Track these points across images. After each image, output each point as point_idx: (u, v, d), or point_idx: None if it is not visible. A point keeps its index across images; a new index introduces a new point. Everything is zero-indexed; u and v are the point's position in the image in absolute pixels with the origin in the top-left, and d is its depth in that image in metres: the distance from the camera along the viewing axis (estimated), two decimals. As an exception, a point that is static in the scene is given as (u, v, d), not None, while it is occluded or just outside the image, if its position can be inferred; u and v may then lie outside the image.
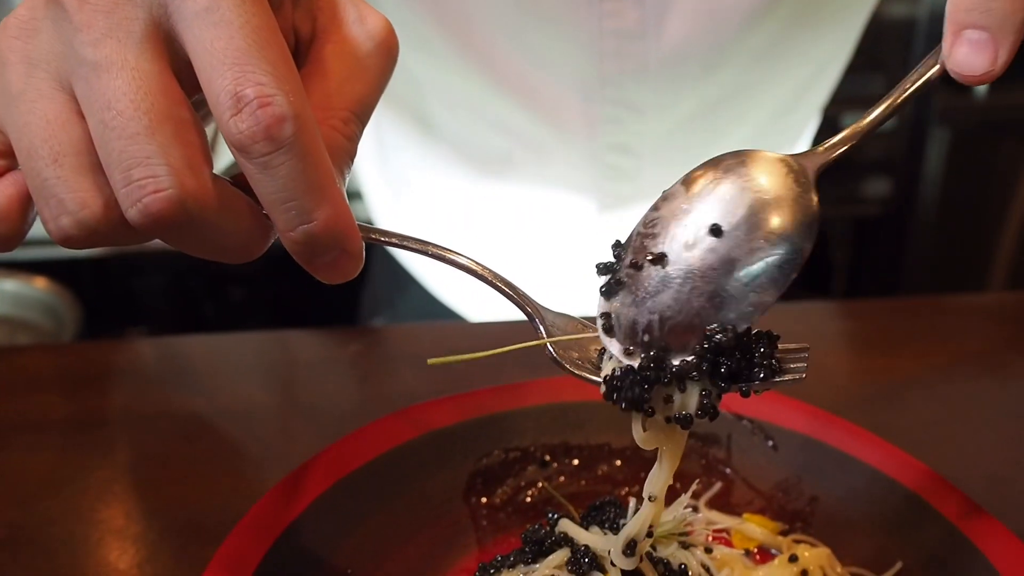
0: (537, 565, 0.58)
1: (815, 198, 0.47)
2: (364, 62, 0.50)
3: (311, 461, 0.65)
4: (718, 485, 0.71)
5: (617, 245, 0.51)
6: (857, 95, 2.10)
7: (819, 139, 1.17)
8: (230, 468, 0.79)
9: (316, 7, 0.51)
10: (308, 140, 0.43)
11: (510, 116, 1.07)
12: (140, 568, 0.67)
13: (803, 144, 1.23)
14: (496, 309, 1.16)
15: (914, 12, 2.07)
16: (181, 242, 0.45)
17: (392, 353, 0.97)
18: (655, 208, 0.50)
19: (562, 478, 0.71)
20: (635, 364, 0.48)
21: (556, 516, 0.61)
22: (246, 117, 0.42)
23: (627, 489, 0.71)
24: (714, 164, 0.49)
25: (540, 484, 0.71)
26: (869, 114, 0.49)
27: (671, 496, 0.67)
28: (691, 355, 0.47)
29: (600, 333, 0.50)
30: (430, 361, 0.54)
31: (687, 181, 0.49)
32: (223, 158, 0.51)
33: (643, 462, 0.72)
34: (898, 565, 0.63)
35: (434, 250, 0.51)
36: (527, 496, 0.70)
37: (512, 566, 0.59)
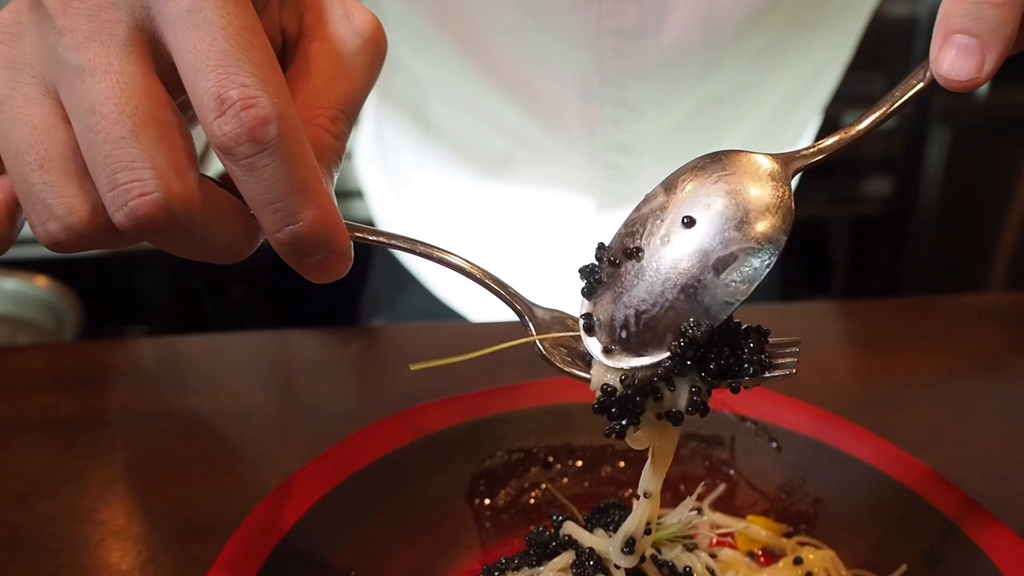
0: (541, 568, 0.58)
1: (788, 192, 0.48)
2: (351, 59, 0.50)
3: (314, 462, 0.65)
4: (722, 487, 0.70)
5: (601, 248, 0.51)
6: (858, 94, 2.10)
7: (820, 139, 1.17)
8: (231, 468, 0.79)
9: (302, 5, 0.51)
10: (293, 141, 0.43)
11: (509, 115, 1.06)
12: (142, 569, 0.67)
13: (804, 143, 1.22)
14: (497, 309, 1.16)
15: (915, 11, 2.07)
16: (169, 244, 0.45)
17: (392, 353, 0.97)
18: (636, 210, 0.51)
19: (565, 480, 0.71)
20: (614, 363, 0.49)
21: (560, 518, 0.61)
22: (230, 119, 0.42)
23: (631, 491, 0.70)
24: (693, 165, 0.50)
25: (543, 486, 0.71)
26: (858, 123, 0.49)
27: (675, 499, 0.67)
28: (667, 351, 0.47)
29: (581, 333, 0.50)
30: (413, 367, 0.54)
31: (666, 182, 0.50)
32: (217, 164, 0.51)
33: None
34: (903, 567, 0.63)
35: (423, 248, 0.51)
36: (530, 498, 0.70)
37: (517, 568, 0.59)
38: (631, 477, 0.71)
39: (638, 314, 0.48)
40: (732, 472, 0.71)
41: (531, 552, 0.59)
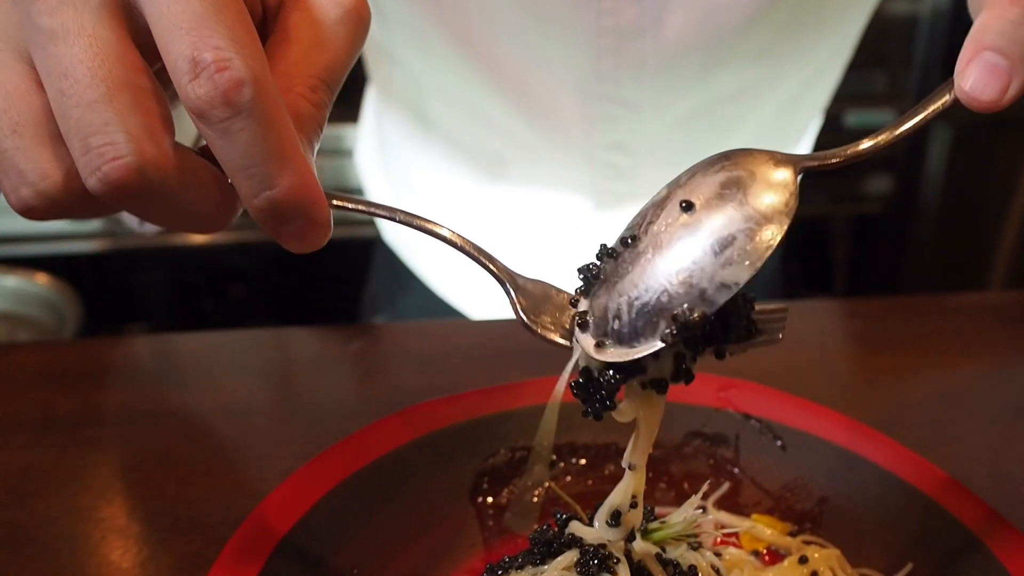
0: (545, 566, 0.58)
1: (793, 177, 0.46)
2: (332, 29, 0.49)
3: (315, 460, 0.64)
4: (726, 485, 0.70)
5: (603, 248, 0.50)
6: (859, 93, 2.10)
7: (821, 138, 1.17)
8: (232, 466, 0.78)
9: None
10: (268, 104, 0.42)
11: (506, 113, 1.06)
12: (143, 567, 0.67)
13: (805, 144, 1.22)
14: (497, 307, 1.16)
15: (916, 9, 2.07)
16: (145, 212, 0.45)
17: (393, 350, 0.97)
18: (640, 209, 0.50)
19: (568, 478, 0.71)
20: (605, 358, 0.47)
21: (564, 517, 0.60)
22: (204, 82, 0.41)
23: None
24: (699, 163, 0.49)
25: (547, 484, 0.70)
26: (873, 139, 0.47)
27: (680, 498, 0.67)
28: (659, 340, 0.46)
29: (575, 329, 0.49)
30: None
31: (671, 181, 0.49)
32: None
33: (650, 462, 0.71)
34: (908, 566, 0.63)
35: (403, 216, 0.50)
36: (534, 497, 0.70)
37: (520, 567, 0.58)
38: (635, 475, 0.71)
39: (631, 301, 0.47)
40: (736, 471, 0.71)
41: (535, 550, 0.59)
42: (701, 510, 0.65)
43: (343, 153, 1.90)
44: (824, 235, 2.34)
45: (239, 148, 0.42)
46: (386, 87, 1.19)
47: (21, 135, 0.43)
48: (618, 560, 0.56)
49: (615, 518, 0.56)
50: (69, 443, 0.79)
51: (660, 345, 0.46)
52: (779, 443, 0.70)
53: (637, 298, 0.46)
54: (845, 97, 1.30)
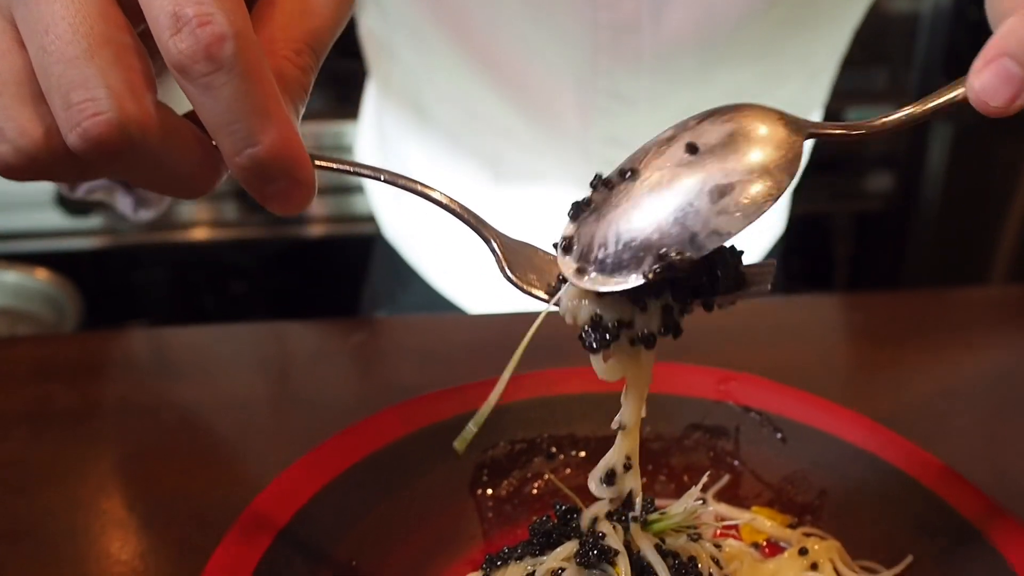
0: (544, 557, 0.58)
1: (800, 140, 0.46)
2: None
3: (315, 452, 0.64)
4: (726, 478, 0.70)
5: (597, 178, 0.50)
6: (860, 90, 2.10)
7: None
8: (231, 459, 0.78)
9: None
10: (250, 60, 0.42)
11: (504, 107, 1.06)
12: (142, 559, 0.67)
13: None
14: (498, 302, 1.16)
15: (918, 7, 2.07)
16: (127, 172, 0.45)
17: (392, 344, 0.97)
18: (642, 146, 0.49)
19: (568, 470, 0.71)
20: (584, 284, 0.47)
21: (564, 508, 0.60)
22: (185, 36, 0.41)
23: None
24: (708, 109, 0.48)
25: (546, 476, 0.70)
26: (883, 117, 0.47)
27: (679, 489, 0.67)
28: (641, 276, 0.45)
29: (558, 253, 0.49)
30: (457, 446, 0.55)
31: (678, 123, 0.49)
32: None
33: (650, 455, 0.71)
34: (908, 558, 0.62)
35: (388, 176, 0.50)
36: (533, 488, 0.70)
37: (520, 558, 0.58)
38: (634, 468, 0.71)
39: (620, 232, 0.46)
40: (736, 463, 0.71)
41: (534, 541, 0.59)
42: (701, 502, 0.65)
43: (344, 150, 1.91)
44: (825, 232, 2.34)
45: (221, 104, 0.42)
46: (386, 82, 1.19)
47: (1, 93, 0.43)
48: (617, 551, 0.56)
49: (610, 478, 0.55)
50: (68, 436, 0.79)
51: (641, 281, 0.46)
52: (779, 435, 0.70)
53: (627, 230, 0.46)
54: (846, 94, 1.30)
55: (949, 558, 0.61)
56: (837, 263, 2.36)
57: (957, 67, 2.04)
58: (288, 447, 0.76)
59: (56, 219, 1.95)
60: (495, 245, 0.51)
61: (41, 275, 1.81)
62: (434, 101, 1.12)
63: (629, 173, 0.48)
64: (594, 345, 0.49)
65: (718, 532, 0.66)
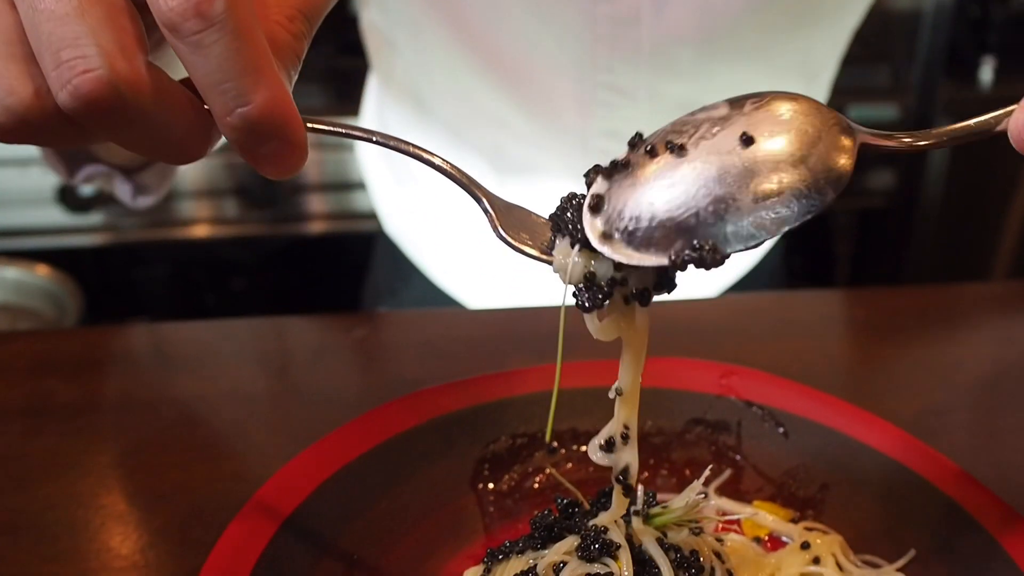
0: (546, 551, 0.58)
1: (852, 158, 0.45)
2: None
3: (316, 446, 0.64)
4: (728, 472, 0.70)
5: (638, 136, 0.49)
6: (862, 87, 2.09)
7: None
8: (232, 454, 0.78)
9: None
10: (241, 17, 0.42)
11: (503, 100, 1.06)
12: (143, 553, 0.67)
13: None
14: (499, 298, 1.15)
15: (920, 5, 2.06)
16: (118, 133, 0.44)
17: (395, 339, 0.96)
18: (691, 114, 0.49)
19: (569, 464, 0.71)
20: (609, 253, 0.47)
21: (565, 501, 0.60)
22: None
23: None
24: (768, 93, 0.48)
25: (547, 470, 0.70)
26: (928, 137, 0.47)
27: (681, 484, 0.67)
28: (666, 259, 0.45)
29: (584, 210, 0.48)
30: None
31: (733, 99, 0.48)
32: None
33: (651, 449, 0.71)
34: (911, 553, 0.62)
35: (379, 137, 0.50)
36: (534, 482, 0.70)
37: (521, 552, 0.58)
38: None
39: (656, 209, 0.45)
40: (738, 457, 0.71)
41: (536, 535, 0.59)
42: (703, 496, 0.65)
43: (345, 147, 1.91)
44: (827, 229, 2.34)
45: (212, 62, 0.42)
46: (387, 76, 1.19)
47: None
48: (619, 545, 0.55)
49: (609, 445, 0.55)
50: (69, 430, 0.79)
51: (665, 263, 0.45)
52: (781, 430, 0.70)
53: (665, 209, 0.45)
54: (847, 91, 1.30)
55: (951, 552, 0.61)
56: (839, 260, 2.36)
57: (958, 65, 2.04)
58: (290, 442, 0.76)
59: (57, 216, 1.95)
60: (487, 205, 0.51)
61: (42, 272, 1.81)
62: (434, 95, 1.12)
63: (677, 148, 0.47)
64: (587, 304, 0.49)
65: (720, 526, 0.66)
